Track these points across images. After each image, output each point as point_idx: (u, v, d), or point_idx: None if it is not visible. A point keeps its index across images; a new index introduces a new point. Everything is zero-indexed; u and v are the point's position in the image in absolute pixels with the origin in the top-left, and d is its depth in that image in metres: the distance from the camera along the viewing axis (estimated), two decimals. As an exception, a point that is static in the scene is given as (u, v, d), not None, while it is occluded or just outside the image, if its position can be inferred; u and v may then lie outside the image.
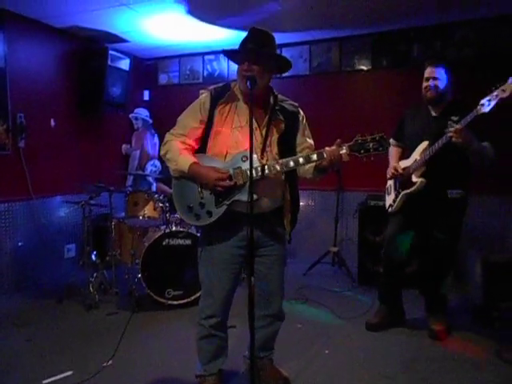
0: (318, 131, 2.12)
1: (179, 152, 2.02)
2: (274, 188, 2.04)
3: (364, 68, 4.62)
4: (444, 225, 2.84)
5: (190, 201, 2.02)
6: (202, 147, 2.06)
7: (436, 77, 2.78)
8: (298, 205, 2.17)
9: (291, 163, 1.95)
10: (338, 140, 1.93)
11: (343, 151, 1.91)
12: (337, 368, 2.51)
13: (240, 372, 2.39)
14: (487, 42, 4.05)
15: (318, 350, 2.73)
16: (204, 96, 2.06)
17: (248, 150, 1.92)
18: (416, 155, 2.82)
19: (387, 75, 4.54)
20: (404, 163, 2.94)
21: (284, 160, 1.96)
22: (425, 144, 2.78)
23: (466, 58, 4.13)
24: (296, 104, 2.18)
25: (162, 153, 2.10)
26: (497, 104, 2.33)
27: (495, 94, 2.34)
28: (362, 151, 1.90)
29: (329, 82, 4.77)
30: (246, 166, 1.92)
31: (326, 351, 2.72)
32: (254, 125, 2.00)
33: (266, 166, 1.93)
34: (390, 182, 3.09)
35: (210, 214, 1.99)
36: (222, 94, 2.02)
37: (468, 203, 2.87)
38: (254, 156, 1.91)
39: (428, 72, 2.83)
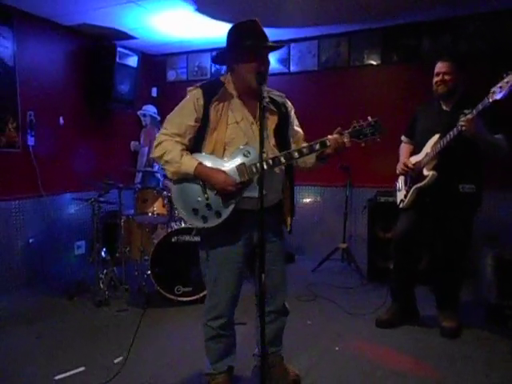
0: (327, 126, 2.09)
1: (181, 153, 1.94)
2: (277, 181, 2.04)
3: (373, 63, 4.57)
4: (455, 220, 2.80)
5: (194, 204, 1.96)
6: (195, 146, 2.00)
7: (446, 72, 2.76)
8: (294, 196, 2.19)
9: (296, 154, 1.95)
10: (339, 128, 1.96)
11: (346, 139, 1.94)
12: (347, 365, 2.50)
13: (250, 369, 2.38)
14: (498, 35, 3.97)
15: (328, 346, 2.72)
16: (196, 93, 1.99)
17: (249, 145, 1.94)
18: (427, 149, 2.80)
19: (397, 70, 4.49)
20: (415, 158, 2.91)
21: (288, 151, 1.96)
22: (436, 137, 2.75)
23: (476, 52, 4.06)
24: (283, 94, 2.16)
25: (156, 155, 1.98)
26: (510, 91, 2.27)
27: (506, 80, 2.29)
28: (361, 136, 1.94)
29: (338, 77, 4.72)
30: (249, 161, 1.92)
31: (336, 348, 2.70)
32: (250, 119, 1.99)
33: (270, 160, 1.91)
34: (401, 179, 3.06)
35: (218, 214, 1.95)
36: (215, 91, 1.98)
37: (481, 200, 2.83)
38: (256, 149, 1.90)
39: (438, 67, 2.81)
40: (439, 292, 3.00)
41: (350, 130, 1.95)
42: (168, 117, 2.04)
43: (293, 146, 2.10)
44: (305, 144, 2.07)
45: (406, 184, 2.98)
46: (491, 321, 3.03)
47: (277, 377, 2.25)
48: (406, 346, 2.71)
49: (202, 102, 1.97)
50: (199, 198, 1.96)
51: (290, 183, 2.14)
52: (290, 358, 2.41)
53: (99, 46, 4.55)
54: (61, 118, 4.35)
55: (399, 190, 3.06)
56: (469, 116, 2.49)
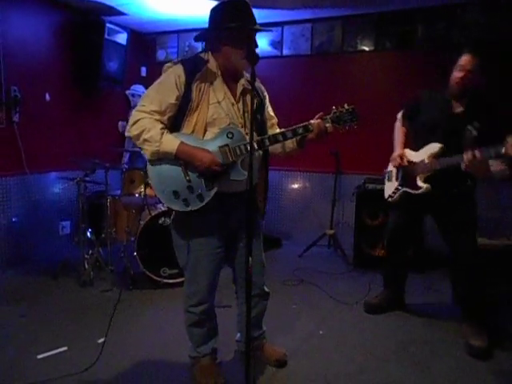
0: (319, 111, 2.07)
1: (161, 131, 1.83)
2: (256, 164, 1.99)
3: (366, 49, 4.53)
4: (457, 222, 2.62)
5: (174, 186, 1.87)
6: (173, 126, 1.91)
7: (471, 70, 2.44)
8: (268, 181, 2.16)
9: (280, 137, 1.93)
10: (321, 113, 1.98)
11: (328, 124, 1.96)
12: (330, 348, 2.53)
13: (233, 353, 2.40)
14: (495, 25, 3.94)
15: (313, 330, 2.75)
16: (176, 69, 1.88)
17: (231, 126, 1.90)
18: (425, 155, 2.61)
19: (390, 57, 4.46)
20: (411, 155, 2.73)
21: (272, 134, 1.95)
22: (437, 147, 2.55)
23: (472, 41, 4.04)
24: (257, 79, 2.12)
25: (133, 133, 1.84)
26: None
27: None
28: (341, 122, 1.96)
29: (331, 62, 4.67)
30: (232, 142, 1.87)
31: (321, 332, 2.73)
32: (231, 100, 1.95)
33: (255, 142, 1.87)
34: (393, 168, 2.90)
35: (201, 197, 1.87)
36: (197, 68, 1.90)
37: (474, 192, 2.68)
38: (242, 130, 1.90)
39: (464, 60, 2.45)
40: (464, 304, 2.74)
41: (330, 115, 1.96)
42: (145, 93, 1.92)
43: (269, 132, 2.09)
44: (278, 130, 2.09)
45: (396, 178, 2.84)
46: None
47: (265, 357, 2.29)
48: (388, 332, 2.76)
49: (183, 78, 1.87)
50: (179, 180, 1.87)
51: (265, 168, 2.11)
52: (275, 341, 2.43)
53: (87, 21, 4.40)
54: (47, 95, 4.23)
55: (389, 180, 2.93)
56: (471, 157, 2.24)
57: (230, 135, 1.88)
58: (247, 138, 1.87)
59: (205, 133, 1.89)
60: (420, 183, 2.62)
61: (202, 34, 2.00)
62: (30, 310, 2.95)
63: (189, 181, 1.87)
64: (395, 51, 4.41)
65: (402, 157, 2.76)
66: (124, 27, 4.62)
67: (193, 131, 1.88)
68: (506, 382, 2.21)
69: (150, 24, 4.95)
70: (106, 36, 4.34)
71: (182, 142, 1.84)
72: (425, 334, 2.74)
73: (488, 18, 3.94)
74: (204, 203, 1.88)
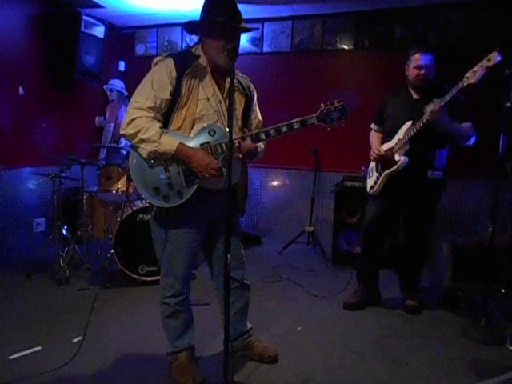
0: (299, 109, 2.08)
1: (160, 131, 1.82)
2: (237, 163, 1.99)
3: (346, 47, 4.57)
4: (421, 206, 2.88)
5: (155, 182, 1.88)
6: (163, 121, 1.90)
7: (429, 66, 2.77)
8: (248, 180, 2.17)
9: (262, 135, 1.92)
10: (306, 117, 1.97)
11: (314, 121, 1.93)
12: (309, 345, 2.54)
13: (216, 351, 2.37)
14: (472, 26, 4.04)
15: (291, 327, 2.76)
16: (168, 63, 1.87)
17: (214, 124, 1.90)
18: (400, 135, 2.82)
19: (369, 56, 4.51)
20: (387, 145, 2.92)
21: (254, 132, 1.94)
22: (409, 123, 2.77)
23: (449, 42, 4.13)
24: (247, 77, 2.14)
25: (129, 132, 1.82)
26: (484, 73, 2.32)
27: (480, 64, 2.32)
28: (328, 121, 1.93)
29: (311, 60, 4.69)
30: (214, 140, 1.88)
31: (299, 328, 2.75)
32: (219, 97, 1.95)
33: (236, 141, 1.87)
34: (372, 165, 3.07)
35: (180, 194, 1.89)
36: (188, 63, 1.89)
37: (446, 187, 2.93)
38: (224, 128, 1.88)
39: (419, 59, 2.77)
40: (403, 274, 3.14)
41: (317, 113, 1.93)
42: (140, 89, 1.89)
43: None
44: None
45: (377, 170, 2.99)
46: (446, 302, 3.17)
47: (253, 357, 2.29)
48: (366, 327, 2.79)
49: (174, 73, 1.86)
50: (160, 177, 1.88)
51: (244, 166, 2.11)
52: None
53: (62, 13, 4.29)
54: (20, 88, 4.11)
55: (370, 177, 3.07)
56: (434, 107, 2.53)
57: (212, 133, 1.88)
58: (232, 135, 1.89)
59: (192, 128, 1.89)
60: (397, 157, 2.79)
61: (192, 26, 1.95)
62: (2, 308, 2.86)
63: (169, 177, 1.88)
64: (374, 51, 4.46)
65: (378, 149, 2.93)
66: (101, 20, 4.53)
67: (181, 126, 1.88)
68: (482, 375, 2.27)
69: (128, 18, 4.86)
70: (82, 29, 4.25)
71: (181, 143, 1.83)
72: (402, 328, 2.79)
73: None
74: (183, 200, 1.90)
